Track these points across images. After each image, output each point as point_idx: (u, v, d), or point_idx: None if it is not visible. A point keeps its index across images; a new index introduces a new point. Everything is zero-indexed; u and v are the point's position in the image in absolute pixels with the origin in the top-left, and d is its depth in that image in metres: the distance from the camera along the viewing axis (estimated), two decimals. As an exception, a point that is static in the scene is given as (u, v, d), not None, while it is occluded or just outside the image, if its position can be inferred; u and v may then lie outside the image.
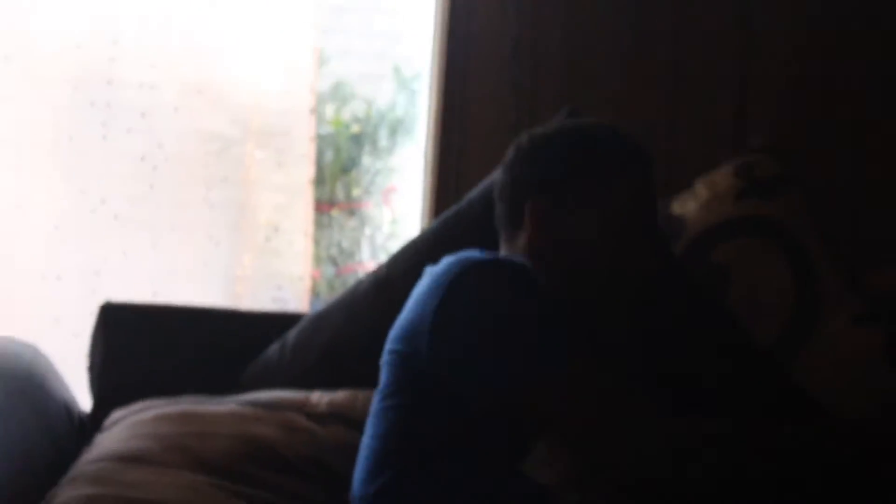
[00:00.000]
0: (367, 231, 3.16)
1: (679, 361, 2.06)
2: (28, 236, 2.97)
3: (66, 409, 2.11)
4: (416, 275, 1.79)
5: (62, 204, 2.98)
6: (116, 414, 2.09)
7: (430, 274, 1.72)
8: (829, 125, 2.69)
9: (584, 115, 2.21)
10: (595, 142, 1.82)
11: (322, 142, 3.14)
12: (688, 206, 2.34)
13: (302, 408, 2.04)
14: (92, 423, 2.18)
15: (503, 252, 1.84)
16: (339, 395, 2.08)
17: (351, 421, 2.01)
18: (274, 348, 2.20)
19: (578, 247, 1.78)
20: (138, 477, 1.82)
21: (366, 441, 1.73)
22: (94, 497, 1.73)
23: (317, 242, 3.07)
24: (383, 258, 2.38)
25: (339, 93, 3.26)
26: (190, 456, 1.88)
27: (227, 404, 2.02)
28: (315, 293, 3.10)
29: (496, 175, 1.91)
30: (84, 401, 2.26)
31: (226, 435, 1.87)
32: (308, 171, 3.05)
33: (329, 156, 3.22)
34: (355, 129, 3.26)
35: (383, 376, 1.74)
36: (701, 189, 2.37)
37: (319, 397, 2.07)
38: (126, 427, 2.00)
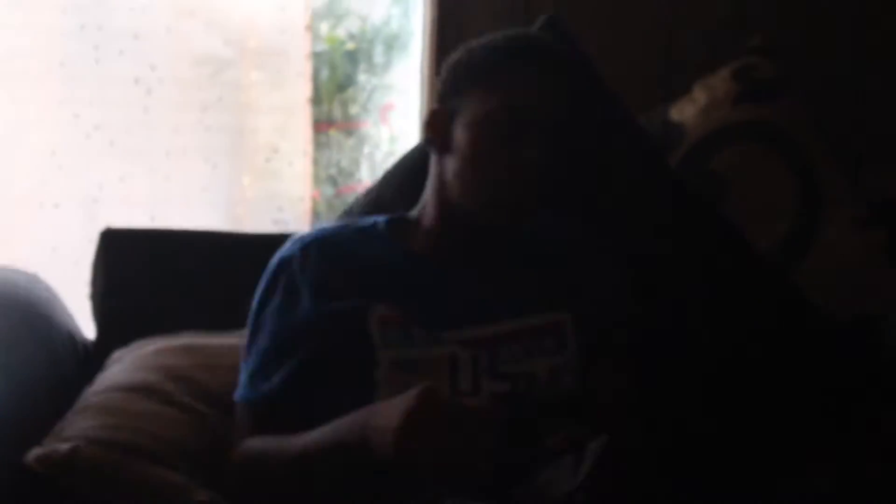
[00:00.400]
0: (366, 150, 3.14)
1: (669, 271, 2.06)
2: (24, 165, 2.94)
3: (70, 337, 2.11)
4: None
5: (57, 130, 2.95)
6: (117, 353, 2.08)
7: None
8: (828, 23, 2.66)
9: (562, 24, 2.20)
10: (478, 49, 1.80)
11: (317, 60, 3.11)
12: (686, 111, 2.32)
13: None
14: (96, 351, 2.18)
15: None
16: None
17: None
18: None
19: (455, 159, 1.77)
20: (147, 407, 1.82)
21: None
22: (106, 426, 1.74)
23: (316, 162, 3.05)
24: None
25: (333, 9, 3.22)
26: (196, 387, 1.88)
27: (229, 337, 2.02)
28: (315, 213, 3.09)
29: None
30: (87, 329, 2.25)
31: (230, 366, 1.86)
32: (305, 90, 3.02)
33: (325, 74, 3.19)
34: (350, 45, 3.22)
35: None
36: (699, 94, 2.35)
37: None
38: (129, 361, 2.00)
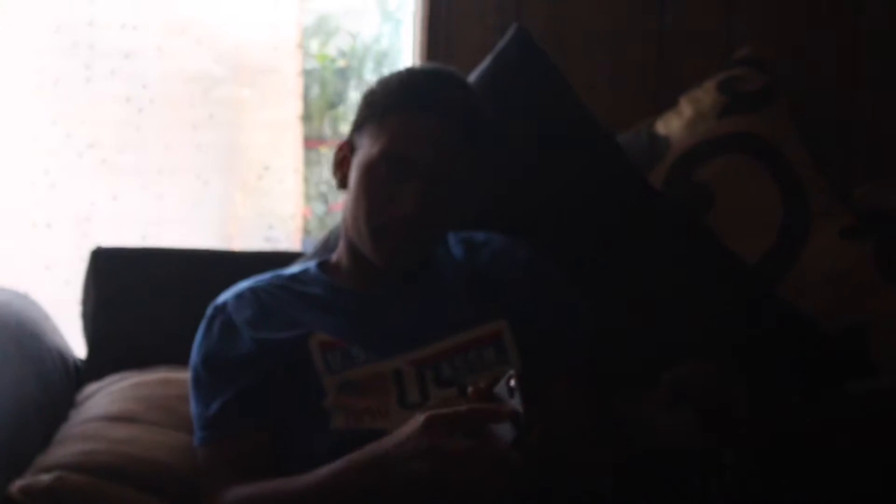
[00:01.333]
0: (357, 167, 3.13)
1: (650, 285, 2.06)
2: (16, 183, 2.95)
3: (60, 356, 2.11)
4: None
5: (49, 149, 2.96)
6: (90, 387, 2.09)
7: None
8: (821, 35, 2.66)
9: (527, 36, 2.21)
10: (383, 84, 1.81)
11: (308, 77, 3.11)
12: (672, 124, 2.33)
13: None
14: (87, 370, 2.18)
15: None
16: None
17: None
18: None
19: (349, 193, 1.79)
20: (128, 433, 1.82)
21: None
22: (88, 452, 1.74)
23: (306, 180, 3.05)
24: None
25: (323, 27, 3.23)
26: (175, 416, 1.89)
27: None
28: (306, 231, 3.09)
29: None
30: (77, 348, 2.25)
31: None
32: (296, 107, 3.02)
33: (315, 91, 3.20)
34: (341, 63, 3.23)
35: None
36: (685, 106, 2.35)
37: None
38: (106, 394, 2.01)
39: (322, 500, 1.50)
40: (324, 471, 1.51)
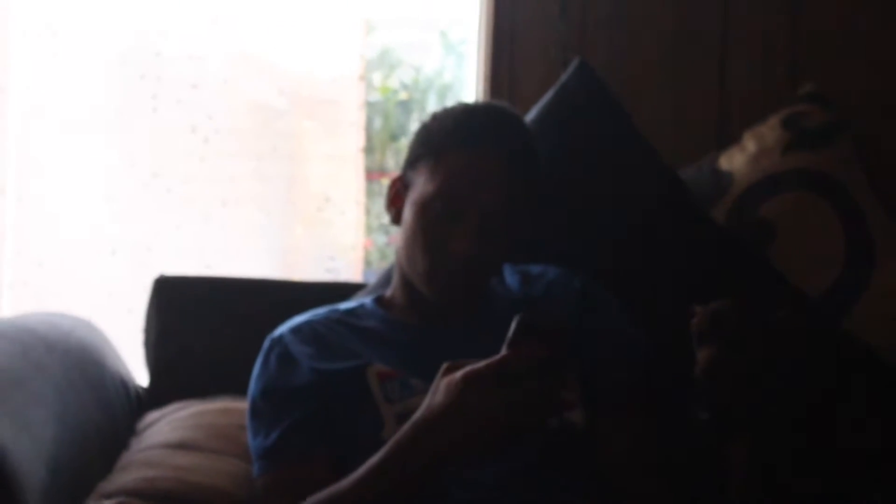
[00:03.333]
0: (418, 199, 3.14)
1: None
2: (81, 211, 2.99)
3: (123, 383, 2.12)
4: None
5: (114, 178, 2.99)
6: (151, 416, 2.10)
7: None
8: (886, 70, 2.64)
9: (590, 70, 2.21)
10: (438, 121, 1.80)
11: (370, 109, 3.13)
12: (735, 160, 2.32)
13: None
14: (149, 398, 2.20)
15: None
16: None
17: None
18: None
19: (402, 232, 1.79)
20: (190, 461, 1.83)
21: None
22: (151, 479, 1.75)
23: (368, 211, 3.06)
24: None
25: (386, 60, 3.25)
26: (236, 445, 1.89)
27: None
28: (367, 262, 3.10)
29: None
30: (139, 375, 2.27)
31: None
32: (358, 139, 3.03)
33: (377, 123, 3.21)
34: (403, 95, 3.24)
35: None
36: (748, 142, 2.34)
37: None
38: (167, 422, 2.02)
39: (378, 485, 1.50)
40: (373, 459, 1.50)
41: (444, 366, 1.44)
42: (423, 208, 1.73)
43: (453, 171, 1.72)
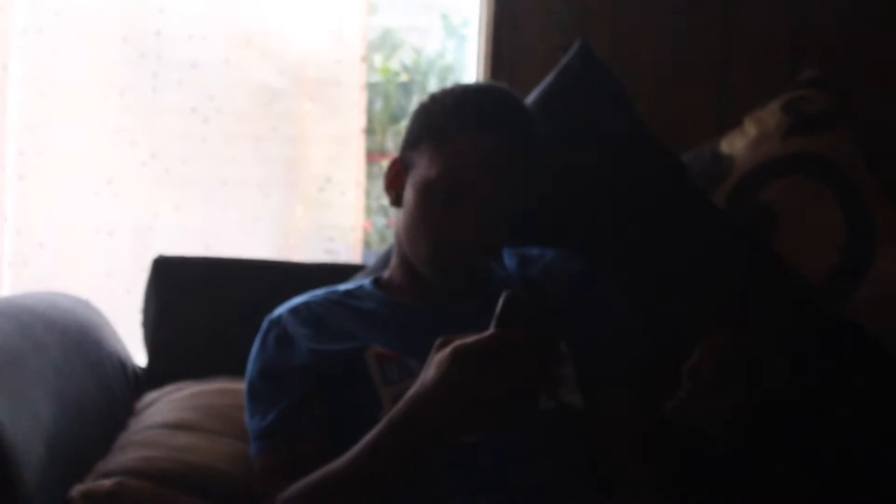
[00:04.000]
0: (418, 181, 3.14)
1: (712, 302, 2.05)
2: (80, 192, 2.98)
3: (121, 363, 2.12)
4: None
5: (113, 158, 2.99)
6: (150, 396, 2.10)
7: None
8: (887, 64, 2.64)
9: (591, 53, 2.21)
10: (438, 102, 1.79)
11: (371, 91, 3.12)
12: (736, 144, 2.31)
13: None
14: (147, 378, 2.20)
15: None
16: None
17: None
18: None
19: (404, 214, 1.78)
20: (188, 442, 1.83)
21: None
22: (149, 458, 1.75)
23: (368, 193, 3.06)
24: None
25: (387, 41, 3.24)
26: (234, 425, 1.89)
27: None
28: (367, 244, 3.09)
29: None
30: (138, 355, 2.27)
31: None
32: (359, 120, 3.03)
33: (378, 105, 3.21)
34: (404, 77, 3.24)
35: None
36: (749, 126, 2.34)
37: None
38: (166, 403, 2.02)
39: (372, 463, 1.49)
40: (367, 437, 1.49)
41: (438, 341, 1.43)
42: (426, 191, 1.72)
43: (456, 155, 1.71)
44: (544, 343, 1.37)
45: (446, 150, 1.72)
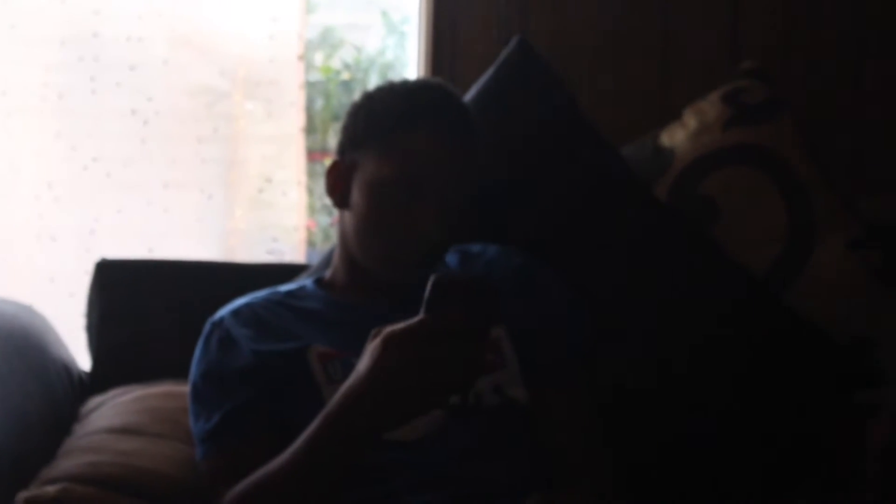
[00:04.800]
0: (361, 179, 3.14)
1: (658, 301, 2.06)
2: (21, 196, 2.96)
3: (65, 368, 2.11)
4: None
5: (54, 163, 2.97)
6: (94, 400, 2.08)
7: None
8: (826, 48, 2.67)
9: (530, 47, 2.21)
10: (378, 102, 1.79)
11: (312, 90, 3.12)
12: (676, 136, 2.32)
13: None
14: (91, 382, 2.18)
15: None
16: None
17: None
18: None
19: (352, 215, 1.78)
20: (134, 446, 1.82)
21: None
22: (94, 463, 1.73)
23: (310, 192, 3.05)
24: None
25: (327, 39, 3.23)
26: (179, 428, 1.88)
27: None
28: (310, 243, 3.09)
29: None
30: (82, 360, 2.25)
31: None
32: (298, 119, 3.03)
33: (319, 104, 3.20)
34: (345, 75, 3.23)
35: None
36: (689, 118, 2.34)
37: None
38: (111, 407, 2.00)
39: (311, 458, 1.48)
40: (306, 432, 1.48)
41: (373, 332, 1.43)
42: (380, 192, 1.72)
43: (407, 153, 1.72)
44: (474, 325, 1.37)
45: (396, 148, 1.72)
